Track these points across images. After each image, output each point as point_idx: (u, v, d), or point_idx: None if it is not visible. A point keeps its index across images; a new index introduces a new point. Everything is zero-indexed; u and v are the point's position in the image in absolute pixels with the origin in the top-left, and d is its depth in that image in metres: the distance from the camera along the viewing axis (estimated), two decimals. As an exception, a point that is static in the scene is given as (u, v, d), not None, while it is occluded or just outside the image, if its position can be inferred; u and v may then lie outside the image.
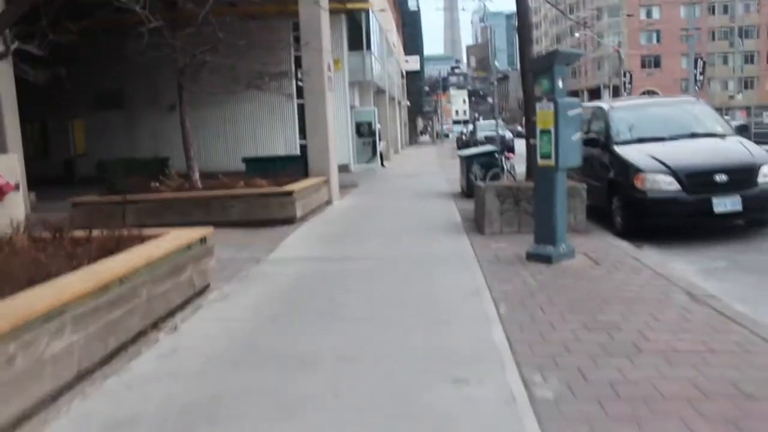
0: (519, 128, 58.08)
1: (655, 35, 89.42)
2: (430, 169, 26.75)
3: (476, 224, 10.51)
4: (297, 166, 14.38)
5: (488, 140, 36.51)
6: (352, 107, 27.51)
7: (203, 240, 6.52)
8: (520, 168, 13.46)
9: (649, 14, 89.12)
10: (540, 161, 7.47)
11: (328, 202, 14.19)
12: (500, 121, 49.79)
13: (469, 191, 14.89)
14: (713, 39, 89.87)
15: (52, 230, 5.78)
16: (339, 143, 26.96)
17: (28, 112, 14.95)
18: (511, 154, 14.78)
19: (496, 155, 14.71)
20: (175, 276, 5.64)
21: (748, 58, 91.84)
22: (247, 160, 15.08)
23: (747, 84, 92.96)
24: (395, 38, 49.09)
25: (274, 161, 14.79)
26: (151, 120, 26.99)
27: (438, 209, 12.91)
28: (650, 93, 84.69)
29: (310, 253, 8.78)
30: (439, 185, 18.73)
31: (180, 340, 5.05)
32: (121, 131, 27.13)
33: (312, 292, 6.65)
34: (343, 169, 26.21)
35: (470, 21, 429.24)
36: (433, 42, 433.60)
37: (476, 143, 36.75)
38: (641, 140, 10.08)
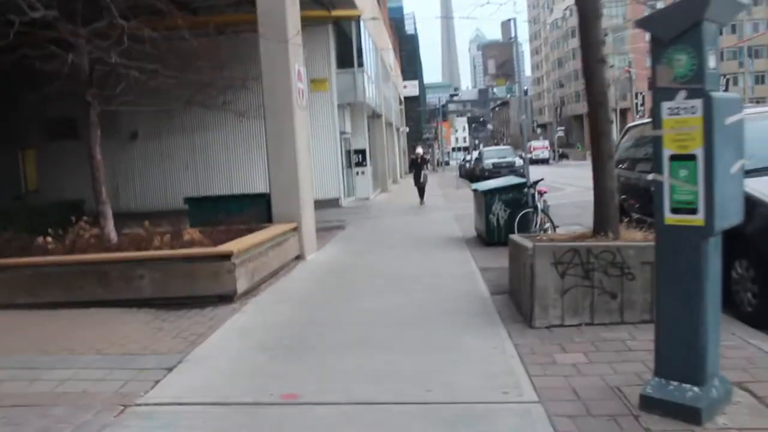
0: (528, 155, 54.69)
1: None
2: (434, 202, 23.00)
3: (514, 302, 6.74)
4: (259, 208, 10.62)
5: (496, 168, 32.96)
6: (342, 133, 23.85)
7: None
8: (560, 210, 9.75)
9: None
10: (670, 216, 3.71)
11: (299, 257, 10.41)
12: (506, 146, 46.30)
13: (489, 238, 11.15)
14: (722, 59, 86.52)
15: None
16: (326, 175, 23.46)
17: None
18: (544, 189, 11.06)
19: (525, 190, 10.98)
20: None
21: (759, 79, 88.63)
22: (191, 201, 11.29)
23: (759, 104, 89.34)
24: (392, 60, 45.72)
25: (228, 202, 11.02)
26: (109, 150, 23.29)
27: (451, 270, 9.13)
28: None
29: (233, 384, 4.81)
30: (447, 225, 14.96)
31: None
32: (76, 164, 23.40)
33: None
34: (333, 204, 22.56)
35: (467, 49, 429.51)
36: (430, 71, 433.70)
37: (483, 172, 33.10)
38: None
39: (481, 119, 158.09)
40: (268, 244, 8.65)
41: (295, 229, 10.33)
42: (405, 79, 64.99)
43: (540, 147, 75.48)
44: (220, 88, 9.97)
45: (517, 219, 10.44)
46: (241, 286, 7.37)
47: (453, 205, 20.82)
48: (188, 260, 7.29)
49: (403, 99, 60.10)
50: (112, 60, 8.52)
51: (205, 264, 7.23)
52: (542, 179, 11.17)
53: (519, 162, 33.70)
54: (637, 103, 56.93)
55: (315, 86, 22.56)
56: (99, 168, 9.26)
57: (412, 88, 66.36)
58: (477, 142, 78.96)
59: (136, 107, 9.73)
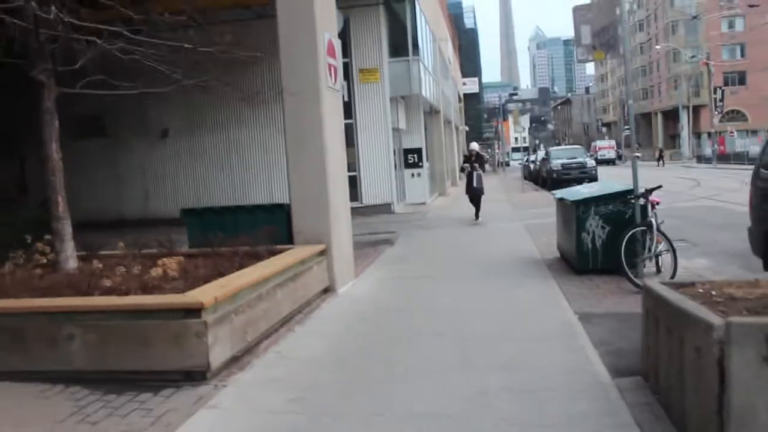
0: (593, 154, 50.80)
1: (738, 49, 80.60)
2: (499, 209, 20.12)
3: (662, 402, 3.92)
4: (277, 223, 8.03)
5: (565, 170, 29.72)
6: (395, 130, 21.18)
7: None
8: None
9: (731, 25, 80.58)
10: None
11: (327, 290, 7.77)
12: (577, 145, 42.67)
13: (581, 263, 8.36)
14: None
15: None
16: (377, 177, 20.84)
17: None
18: (657, 200, 8.16)
19: (632, 200, 8.10)
20: None
21: None
22: (189, 215, 8.73)
23: None
24: (451, 54, 42.89)
25: (236, 215, 8.44)
26: (138, 151, 21.21)
27: (538, 321, 6.33)
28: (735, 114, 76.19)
29: None
30: (520, 240, 12.11)
31: None
32: (103, 164, 21.39)
33: None
34: (384, 210, 19.88)
35: (527, 48, 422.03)
36: (488, 70, 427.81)
37: (551, 174, 29.95)
38: None
39: (542, 118, 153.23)
40: (275, 281, 6.02)
41: (322, 253, 7.70)
42: (464, 76, 62.06)
43: (606, 147, 71.15)
44: (221, 65, 7.40)
45: (624, 240, 7.56)
46: (219, 355, 4.74)
47: (521, 213, 17.92)
48: (137, 315, 4.70)
49: (462, 96, 57.17)
50: (61, 20, 6.05)
51: (163, 322, 4.64)
52: (659, 186, 8.26)
53: (591, 163, 30.46)
54: (716, 99, 52.41)
55: (364, 77, 20.02)
56: (56, 171, 6.77)
57: (471, 85, 63.34)
58: (537, 142, 75.19)
59: (104, 91, 7.19)
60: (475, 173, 16.62)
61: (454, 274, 9.10)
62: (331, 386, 4.65)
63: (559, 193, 9.68)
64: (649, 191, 7.91)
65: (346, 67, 19.82)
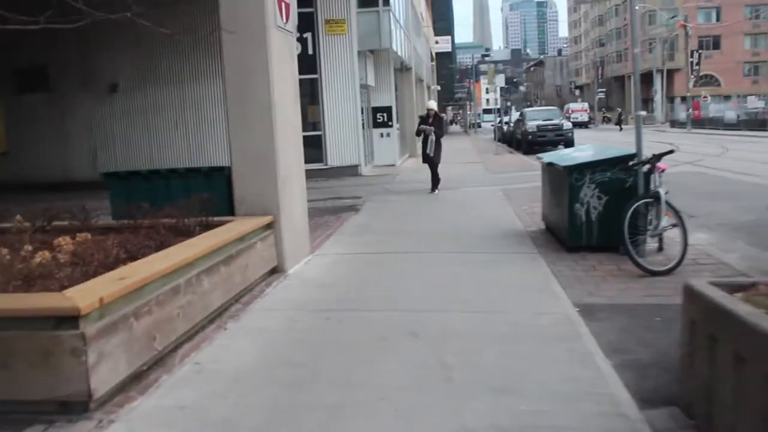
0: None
1: (714, 13, 79.70)
2: (474, 171, 18.93)
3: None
4: (216, 189, 6.74)
5: (541, 131, 28.47)
6: (363, 86, 19.77)
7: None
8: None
9: (707, -10, 79.59)
10: None
11: (275, 272, 6.52)
12: (552, 107, 41.36)
13: (573, 238, 7.26)
14: (783, 15, 79.86)
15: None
16: (343, 137, 19.38)
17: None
18: (664, 166, 6.99)
19: (635, 167, 6.92)
20: None
21: None
22: (112, 179, 7.33)
23: None
24: (424, 10, 41.21)
25: (168, 180, 7.10)
26: (84, 107, 19.49)
27: (530, 315, 5.14)
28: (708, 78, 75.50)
29: None
30: (498, 208, 10.96)
31: None
32: (47, 121, 19.69)
33: None
34: (351, 172, 18.56)
35: (500, 9, 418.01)
36: (460, 31, 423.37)
37: (526, 135, 28.77)
38: None
39: (515, 80, 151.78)
40: (201, 265, 4.74)
41: (269, 226, 6.44)
42: (436, 34, 60.27)
43: (579, 110, 70.02)
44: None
45: (628, 214, 6.39)
46: (108, 377, 3.47)
47: (497, 177, 16.75)
48: (-7, 322, 3.40)
49: (434, 55, 55.53)
50: None
51: (28, 333, 3.35)
52: (671, 151, 7.09)
53: (567, 125, 29.27)
54: (692, 62, 51.48)
55: (330, 28, 18.52)
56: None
57: (444, 44, 61.54)
58: (509, 104, 74.02)
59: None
60: (429, 138, 13.68)
61: (426, 248, 7.89)
62: (257, 418, 3.42)
63: (547, 156, 8.46)
64: (658, 157, 6.73)
65: (311, 18, 18.33)
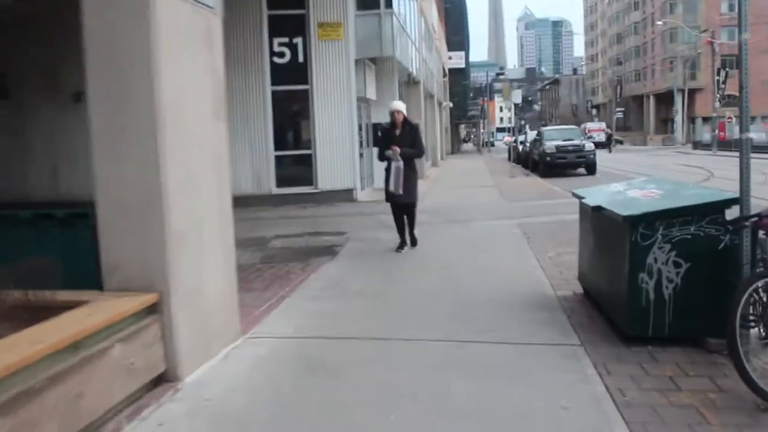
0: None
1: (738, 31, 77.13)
2: (487, 197, 16.41)
3: None
4: (80, 244, 4.31)
5: (560, 153, 25.84)
6: (361, 99, 17.36)
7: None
8: None
9: (732, 8, 76.97)
10: None
11: (161, 382, 4.05)
12: (572, 126, 38.52)
13: (636, 324, 4.70)
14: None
15: None
16: (336, 157, 16.95)
17: None
18: (768, 221, 4.51)
19: (737, 225, 4.42)
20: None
21: None
22: None
23: None
24: (436, 22, 38.91)
25: (17, 226, 4.67)
26: (45, 118, 17.20)
27: None
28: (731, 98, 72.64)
29: None
30: (517, 256, 8.36)
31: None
32: (5, 133, 17.39)
33: None
34: (344, 197, 16.03)
35: (515, 28, 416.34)
36: (475, 49, 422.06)
37: (544, 156, 26.21)
38: None
39: (529, 98, 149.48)
40: None
41: (153, 308, 3.97)
42: (450, 49, 57.94)
43: (596, 129, 67.30)
44: None
45: (742, 300, 3.85)
46: None
47: (513, 206, 14.25)
48: None
49: (447, 71, 53.16)
50: None
51: None
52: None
53: (589, 146, 26.72)
54: (718, 81, 48.75)
55: (324, 33, 16.17)
56: None
57: (458, 60, 59.06)
58: (523, 122, 71.70)
59: None
60: (393, 164, 8.66)
61: (410, 330, 5.33)
62: None
63: (591, 196, 5.92)
64: (762, 216, 4.19)
65: (302, 21, 16.03)
